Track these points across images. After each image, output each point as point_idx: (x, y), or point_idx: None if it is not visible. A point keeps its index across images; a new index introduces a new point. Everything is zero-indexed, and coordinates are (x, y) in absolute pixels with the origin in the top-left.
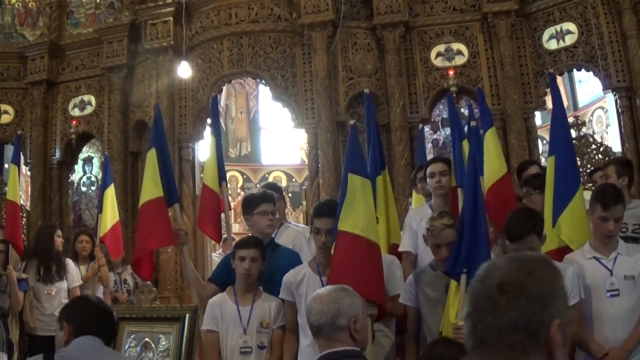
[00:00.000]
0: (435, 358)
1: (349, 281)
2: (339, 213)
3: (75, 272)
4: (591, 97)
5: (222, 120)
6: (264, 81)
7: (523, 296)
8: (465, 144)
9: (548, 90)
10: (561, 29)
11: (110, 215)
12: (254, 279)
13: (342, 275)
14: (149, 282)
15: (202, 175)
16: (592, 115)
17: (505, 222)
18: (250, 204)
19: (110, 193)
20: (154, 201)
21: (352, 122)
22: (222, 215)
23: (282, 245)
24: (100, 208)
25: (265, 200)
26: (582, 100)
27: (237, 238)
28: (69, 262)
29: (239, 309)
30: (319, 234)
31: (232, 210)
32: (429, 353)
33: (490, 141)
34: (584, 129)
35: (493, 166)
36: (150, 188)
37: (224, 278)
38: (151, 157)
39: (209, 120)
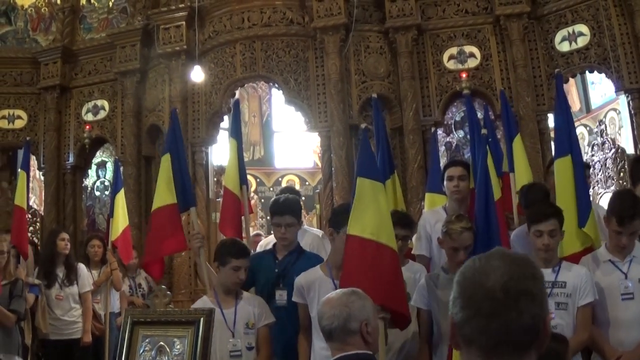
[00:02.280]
0: (546, 353)
1: (359, 286)
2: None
3: (86, 276)
4: (604, 98)
5: None
6: (276, 85)
7: (529, 298)
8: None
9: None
10: (573, 31)
11: (122, 219)
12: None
13: (353, 279)
14: (163, 286)
15: (215, 179)
16: (604, 117)
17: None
18: (270, 211)
19: (121, 197)
20: (168, 207)
21: (362, 125)
22: (243, 217)
23: (308, 251)
24: (111, 212)
25: (276, 212)
26: (594, 102)
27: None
28: (81, 267)
29: (223, 313)
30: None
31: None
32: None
33: (518, 150)
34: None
35: (523, 175)
36: (164, 194)
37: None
38: (165, 162)
39: (222, 124)
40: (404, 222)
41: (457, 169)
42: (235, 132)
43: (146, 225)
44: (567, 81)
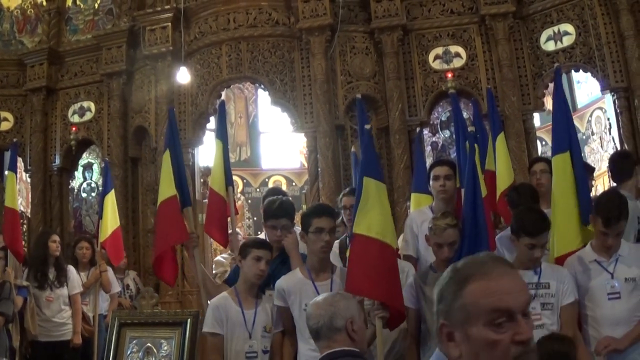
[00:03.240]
0: (552, 354)
1: (365, 284)
2: (354, 216)
3: (76, 279)
4: (590, 97)
5: None
6: (262, 86)
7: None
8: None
9: (546, 91)
10: (559, 30)
11: (111, 220)
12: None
13: (358, 278)
14: (150, 287)
15: (202, 180)
16: (591, 116)
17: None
18: (264, 214)
19: (111, 199)
20: (169, 200)
21: (367, 126)
22: (229, 219)
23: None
24: (100, 214)
25: (271, 215)
26: (580, 102)
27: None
28: (71, 269)
29: (243, 313)
30: (321, 232)
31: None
32: (544, 350)
33: (501, 148)
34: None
35: (505, 173)
36: (165, 188)
37: (233, 278)
38: (166, 158)
39: (208, 125)
40: (327, 212)
41: (443, 169)
42: (221, 133)
43: (133, 227)
44: (552, 80)
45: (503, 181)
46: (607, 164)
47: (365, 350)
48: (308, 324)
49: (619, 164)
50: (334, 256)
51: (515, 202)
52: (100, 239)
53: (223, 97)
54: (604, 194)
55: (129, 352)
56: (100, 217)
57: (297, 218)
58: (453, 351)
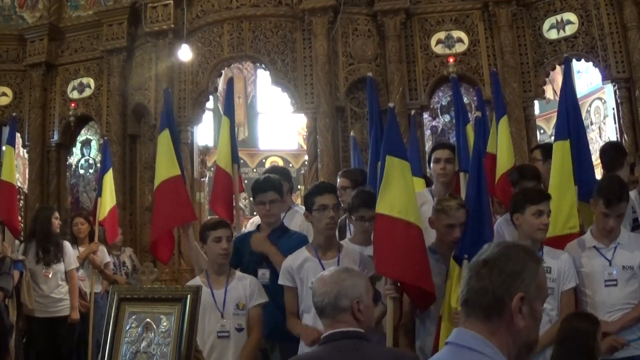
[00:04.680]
0: (576, 333)
1: (392, 265)
2: (376, 195)
3: (72, 254)
4: (589, 87)
5: (219, 105)
6: (263, 65)
7: (496, 270)
8: (469, 129)
9: (547, 79)
10: (562, 19)
11: (109, 199)
12: (228, 260)
13: (386, 259)
14: (150, 262)
15: (200, 159)
16: (590, 106)
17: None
18: (252, 191)
19: (109, 177)
20: (172, 180)
21: (391, 105)
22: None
23: (291, 229)
24: (99, 192)
25: (258, 190)
26: (580, 91)
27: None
28: (67, 245)
29: (213, 293)
30: (325, 209)
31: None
32: (569, 328)
33: (504, 131)
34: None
35: (506, 157)
36: (167, 167)
37: (233, 259)
38: (165, 137)
39: (207, 104)
40: (369, 202)
41: (445, 152)
42: (229, 110)
43: (130, 204)
44: (553, 69)
45: (503, 164)
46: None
47: (371, 329)
48: (313, 300)
49: (609, 155)
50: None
51: (516, 181)
52: (99, 217)
53: (222, 77)
54: (604, 177)
55: (128, 328)
56: (99, 195)
57: (298, 199)
58: (520, 322)
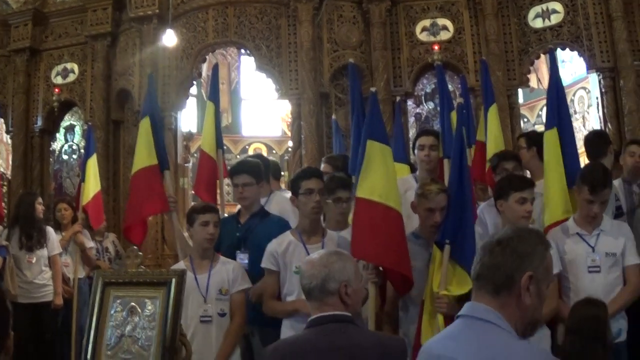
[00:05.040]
0: (588, 318)
1: (370, 249)
2: (356, 180)
3: (55, 240)
4: (574, 77)
5: (203, 91)
6: (248, 51)
7: (509, 249)
8: (453, 116)
9: (532, 68)
10: (547, 8)
11: (93, 184)
12: (213, 245)
13: (363, 242)
14: (135, 247)
15: (184, 144)
16: (574, 95)
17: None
18: (229, 174)
19: (93, 162)
20: (148, 169)
21: (373, 89)
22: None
23: (272, 213)
24: (83, 177)
25: (233, 173)
26: (564, 81)
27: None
28: (50, 230)
29: (196, 278)
30: (311, 193)
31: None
32: (579, 314)
33: (493, 119)
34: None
35: (494, 144)
36: (144, 156)
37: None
38: (144, 125)
39: (192, 90)
40: (345, 184)
41: (429, 139)
42: (214, 95)
43: (114, 190)
44: (538, 57)
45: (493, 152)
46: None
47: (359, 313)
48: (301, 282)
49: (593, 143)
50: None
51: (496, 164)
52: (82, 202)
53: (206, 63)
54: (588, 164)
55: (112, 312)
56: (83, 181)
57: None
58: (527, 299)
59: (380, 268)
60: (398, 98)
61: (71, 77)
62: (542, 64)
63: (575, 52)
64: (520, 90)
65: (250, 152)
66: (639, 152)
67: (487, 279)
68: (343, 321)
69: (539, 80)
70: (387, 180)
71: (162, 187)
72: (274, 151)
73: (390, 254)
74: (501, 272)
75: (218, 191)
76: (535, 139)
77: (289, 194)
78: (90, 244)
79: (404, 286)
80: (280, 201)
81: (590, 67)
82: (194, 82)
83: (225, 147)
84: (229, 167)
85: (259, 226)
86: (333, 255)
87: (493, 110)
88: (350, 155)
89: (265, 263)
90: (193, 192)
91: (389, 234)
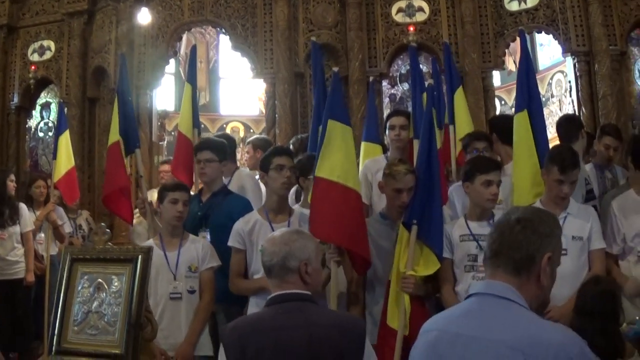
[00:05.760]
0: (603, 293)
1: (327, 228)
2: (316, 159)
3: (28, 216)
4: (552, 60)
5: (181, 69)
6: (223, 30)
7: (530, 229)
8: (425, 97)
9: (507, 50)
10: None
11: (65, 160)
12: (182, 223)
13: (321, 222)
14: (102, 224)
15: (159, 122)
16: (551, 78)
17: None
18: (194, 151)
19: (65, 139)
20: (113, 145)
21: (335, 69)
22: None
23: (234, 191)
24: (54, 154)
25: (198, 149)
26: (542, 64)
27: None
28: (23, 207)
29: (166, 255)
30: (282, 169)
31: None
32: (593, 292)
33: (460, 102)
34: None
35: (464, 126)
36: (112, 132)
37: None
38: (116, 103)
39: (170, 69)
40: (287, 151)
41: (400, 119)
42: (191, 77)
43: (89, 168)
44: (513, 40)
45: (462, 134)
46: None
47: (319, 292)
48: (262, 259)
49: (565, 127)
50: (291, 201)
51: (467, 144)
52: (54, 179)
53: (184, 41)
54: (556, 146)
55: (80, 288)
56: (54, 157)
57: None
58: (545, 280)
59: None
60: (371, 78)
61: (48, 55)
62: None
63: (551, 36)
64: (498, 73)
65: (228, 130)
66: (613, 146)
67: (507, 257)
68: (303, 300)
69: (515, 63)
70: (346, 160)
71: (123, 163)
72: (251, 130)
73: (347, 234)
74: (522, 251)
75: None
76: (493, 124)
77: (248, 171)
78: (68, 229)
79: (362, 266)
80: (240, 177)
81: (565, 51)
82: (170, 61)
83: (202, 126)
84: None
85: (222, 205)
86: (294, 233)
87: (459, 93)
88: (310, 134)
89: (231, 241)
90: (171, 172)
91: (347, 215)
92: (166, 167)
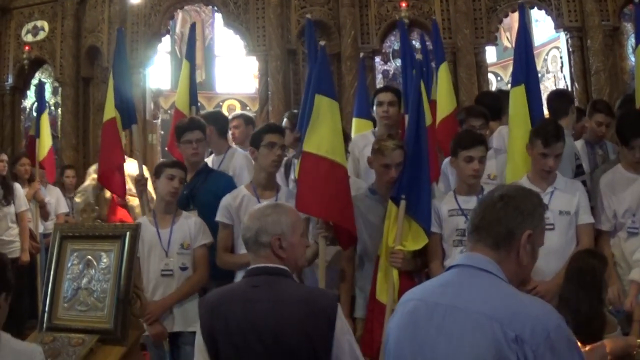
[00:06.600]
0: (590, 269)
1: (314, 203)
2: (303, 134)
3: (22, 196)
4: (548, 36)
5: (177, 48)
6: (216, 7)
7: (512, 205)
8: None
9: (500, 26)
10: None
11: (46, 139)
12: (176, 200)
13: (308, 196)
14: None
15: (154, 101)
16: (547, 54)
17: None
18: (177, 132)
19: (46, 118)
20: (108, 122)
21: (322, 43)
22: None
23: (228, 171)
24: (37, 132)
25: (188, 129)
26: (538, 40)
27: None
28: (17, 187)
29: (159, 232)
30: (273, 147)
31: None
32: (581, 266)
33: (443, 77)
34: None
35: (445, 101)
36: (107, 109)
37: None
38: (111, 79)
39: (160, 46)
40: (278, 129)
41: (387, 95)
42: (190, 54)
43: (84, 147)
44: (506, 16)
45: (443, 110)
46: None
47: (300, 267)
48: (241, 233)
49: (555, 103)
50: (280, 176)
51: (463, 119)
52: (38, 157)
53: (179, 20)
54: (540, 120)
55: (69, 265)
56: (38, 136)
57: None
58: (524, 257)
59: (330, 223)
60: (362, 54)
61: (41, 35)
62: (516, 23)
63: (543, 11)
64: (494, 49)
65: (224, 108)
66: (605, 122)
67: (487, 232)
68: (275, 274)
69: (509, 39)
70: (334, 135)
71: (120, 140)
72: (247, 108)
73: (334, 209)
74: (502, 226)
75: None
76: (479, 101)
77: (243, 152)
78: (65, 209)
79: (347, 241)
80: (235, 157)
81: (557, 27)
82: (163, 39)
83: (199, 104)
84: None
85: (206, 183)
86: (269, 208)
87: (443, 69)
88: (300, 109)
89: (219, 216)
90: (167, 148)
91: (334, 189)
92: None
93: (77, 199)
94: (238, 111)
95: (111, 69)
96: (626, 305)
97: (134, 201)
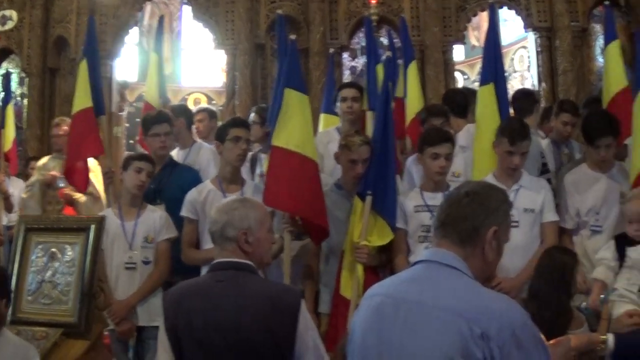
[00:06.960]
0: (561, 265)
1: (283, 197)
2: (272, 128)
3: None
4: (516, 36)
5: (144, 40)
6: (185, 0)
7: (477, 202)
8: (380, 69)
9: (469, 25)
10: None
11: (11, 130)
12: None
13: (277, 191)
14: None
15: (120, 93)
16: (514, 54)
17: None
18: (144, 125)
19: (10, 109)
20: (84, 111)
21: (292, 37)
22: None
23: (193, 165)
24: (2, 123)
25: (156, 121)
26: (506, 40)
27: None
28: None
29: (123, 225)
30: (238, 141)
31: None
32: (552, 262)
33: (413, 76)
34: None
35: (416, 100)
36: (81, 98)
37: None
38: (83, 67)
39: (127, 38)
40: (244, 123)
41: (351, 91)
42: (158, 47)
43: (48, 139)
44: (475, 15)
45: (413, 107)
46: None
47: (266, 263)
48: (208, 227)
49: (521, 102)
50: (246, 170)
51: (424, 119)
52: (4, 148)
53: (148, 12)
54: (506, 119)
55: (34, 257)
56: (2, 127)
57: None
58: (490, 253)
59: (297, 218)
60: (332, 50)
61: (9, 25)
62: (485, 22)
63: (513, 11)
64: (462, 48)
65: (190, 102)
66: (571, 122)
67: (453, 228)
68: (239, 268)
69: (477, 38)
70: (304, 129)
71: (97, 130)
72: (213, 102)
73: (304, 204)
74: (468, 222)
75: None
76: (446, 98)
77: (208, 146)
78: (10, 190)
79: (319, 236)
80: (200, 151)
81: (527, 26)
82: (131, 31)
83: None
84: None
85: (172, 177)
86: (237, 202)
87: (412, 68)
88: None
89: (184, 211)
90: (135, 141)
91: (305, 184)
92: None
93: (24, 195)
94: (203, 105)
95: (84, 56)
96: (590, 303)
97: (80, 197)
